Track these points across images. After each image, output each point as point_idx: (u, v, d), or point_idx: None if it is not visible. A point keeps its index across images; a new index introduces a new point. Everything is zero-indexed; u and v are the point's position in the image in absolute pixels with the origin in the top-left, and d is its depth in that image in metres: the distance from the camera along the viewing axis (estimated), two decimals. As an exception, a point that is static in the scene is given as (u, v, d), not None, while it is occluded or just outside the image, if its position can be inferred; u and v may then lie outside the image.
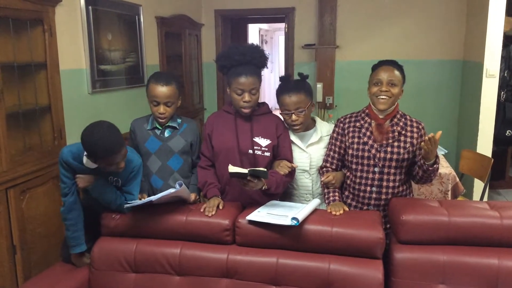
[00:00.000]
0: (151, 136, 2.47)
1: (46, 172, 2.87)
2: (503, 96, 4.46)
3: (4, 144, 2.54)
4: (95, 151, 2.02)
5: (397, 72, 2.29)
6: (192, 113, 5.18)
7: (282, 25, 5.97)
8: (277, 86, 2.53)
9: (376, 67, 2.36)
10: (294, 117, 2.40)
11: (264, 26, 11.40)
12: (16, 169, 2.63)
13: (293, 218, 2.02)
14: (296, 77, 2.54)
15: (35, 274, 2.58)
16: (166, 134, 2.47)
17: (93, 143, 2.00)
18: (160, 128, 2.47)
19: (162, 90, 2.36)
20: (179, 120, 2.50)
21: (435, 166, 2.24)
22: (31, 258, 2.74)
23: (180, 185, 2.17)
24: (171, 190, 2.15)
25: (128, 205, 2.18)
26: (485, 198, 4.02)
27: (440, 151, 4.07)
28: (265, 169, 2.16)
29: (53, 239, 2.90)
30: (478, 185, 4.27)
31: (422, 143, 2.14)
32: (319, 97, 5.41)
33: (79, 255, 2.30)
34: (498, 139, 4.53)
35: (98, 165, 2.13)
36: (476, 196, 4.35)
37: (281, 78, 2.56)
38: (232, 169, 2.12)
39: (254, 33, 10.75)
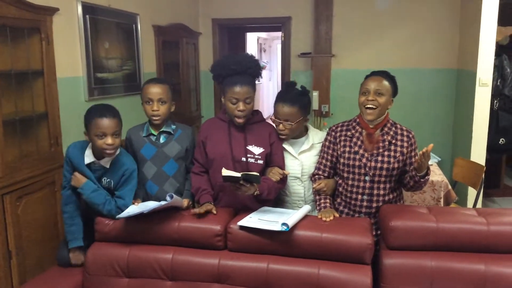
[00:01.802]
0: (146, 143, 2.52)
1: (42, 179, 2.90)
2: (496, 105, 4.51)
3: (1, 150, 2.57)
4: (95, 110, 2.30)
5: (385, 82, 2.33)
6: (190, 121, 5.22)
7: (280, 34, 6.03)
8: (275, 95, 2.56)
9: (366, 77, 2.41)
10: (281, 126, 2.46)
11: (263, 34, 11.47)
12: (12, 175, 2.66)
13: (283, 224, 2.05)
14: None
15: (30, 279, 2.60)
16: (162, 140, 2.52)
17: (95, 106, 2.33)
18: (155, 134, 2.51)
19: (154, 88, 2.47)
20: (173, 126, 2.55)
21: (426, 177, 2.28)
22: (26, 264, 2.75)
23: (171, 197, 2.21)
24: (162, 203, 2.20)
25: (120, 215, 2.23)
26: (479, 206, 4.05)
27: (433, 159, 4.11)
28: (258, 174, 2.20)
29: (48, 244, 2.92)
30: (472, 193, 4.30)
31: (416, 157, 2.20)
32: (315, 105, 5.45)
33: (77, 250, 2.38)
34: (492, 148, 4.57)
35: (91, 134, 2.27)
36: (470, 204, 4.38)
37: (286, 83, 2.59)
38: (225, 172, 2.17)
39: (252, 41, 10.82)
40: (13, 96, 2.78)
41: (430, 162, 3.94)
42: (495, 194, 5.29)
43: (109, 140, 2.25)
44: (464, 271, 2.00)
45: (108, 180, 2.35)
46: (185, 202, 2.41)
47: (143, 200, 2.44)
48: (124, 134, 2.60)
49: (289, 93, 2.49)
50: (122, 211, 2.26)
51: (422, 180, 2.27)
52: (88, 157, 2.34)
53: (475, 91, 4.38)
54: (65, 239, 2.54)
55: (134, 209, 2.24)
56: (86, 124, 2.30)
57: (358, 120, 2.44)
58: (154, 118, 2.47)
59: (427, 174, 2.29)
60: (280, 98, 2.48)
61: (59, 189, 3.01)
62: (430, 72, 5.36)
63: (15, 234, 2.66)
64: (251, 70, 2.42)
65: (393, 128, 2.40)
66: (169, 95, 2.50)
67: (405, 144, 2.37)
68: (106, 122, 2.25)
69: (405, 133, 2.40)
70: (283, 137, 2.50)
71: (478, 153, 4.43)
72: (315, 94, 5.43)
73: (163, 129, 2.52)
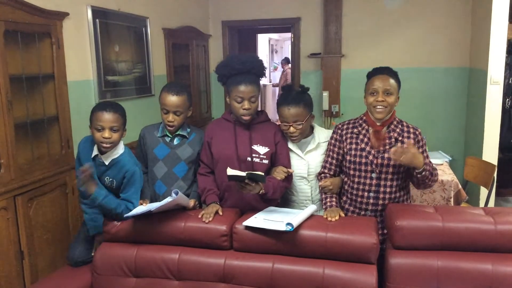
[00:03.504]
0: (160, 143, 2.55)
1: (53, 180, 2.96)
2: (508, 103, 4.46)
3: (13, 153, 2.63)
4: (95, 105, 2.38)
5: (392, 81, 2.33)
6: (200, 122, 5.26)
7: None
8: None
9: (371, 75, 2.39)
10: (292, 129, 2.45)
11: (274, 36, 11.50)
12: (24, 177, 2.72)
13: (288, 224, 2.06)
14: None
15: (41, 279, 2.65)
16: (175, 142, 2.55)
17: (98, 102, 2.28)
18: (170, 135, 2.55)
19: (172, 99, 2.45)
20: (188, 129, 2.58)
21: (423, 173, 2.24)
22: (38, 264, 2.81)
23: (176, 194, 2.23)
24: (168, 200, 2.23)
25: (127, 214, 2.26)
26: (492, 205, 4.00)
27: (444, 158, 4.08)
28: (263, 173, 2.21)
29: (59, 245, 2.98)
30: (484, 193, 4.24)
31: (391, 154, 2.20)
32: (325, 105, 5.44)
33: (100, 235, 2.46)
34: (504, 146, 4.51)
35: (92, 127, 2.34)
36: (482, 203, 4.33)
37: (283, 88, 2.60)
38: (230, 172, 2.19)
39: (264, 42, 10.85)
40: (24, 100, 2.84)
41: (440, 161, 3.92)
42: (508, 194, 5.22)
43: (106, 133, 2.30)
44: (471, 271, 1.98)
45: (111, 179, 2.39)
46: (191, 202, 2.43)
47: (151, 200, 2.49)
48: (136, 134, 2.65)
49: (290, 95, 2.48)
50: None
51: (419, 176, 2.23)
52: (95, 151, 2.40)
53: (487, 89, 4.32)
54: (75, 240, 2.59)
55: (141, 208, 2.28)
56: (90, 118, 2.36)
57: (364, 118, 2.44)
58: (169, 127, 2.51)
59: (424, 170, 2.23)
60: (283, 102, 2.46)
61: (70, 191, 3.08)
62: (441, 71, 5.32)
63: (27, 234, 2.72)
64: (255, 69, 2.44)
65: (400, 126, 2.39)
66: (186, 105, 2.50)
67: (412, 142, 2.36)
68: (105, 116, 2.30)
69: (411, 130, 2.39)
70: (295, 138, 2.49)
71: (490, 152, 4.38)
72: (325, 95, 5.43)
73: (178, 132, 2.55)
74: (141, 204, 2.36)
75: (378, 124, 2.37)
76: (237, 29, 6.15)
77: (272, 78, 11.32)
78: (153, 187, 2.56)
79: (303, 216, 2.17)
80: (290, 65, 10.56)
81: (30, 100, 2.92)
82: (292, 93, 2.49)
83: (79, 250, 2.49)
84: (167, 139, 2.56)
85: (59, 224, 2.99)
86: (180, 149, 2.54)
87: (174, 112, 2.46)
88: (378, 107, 2.30)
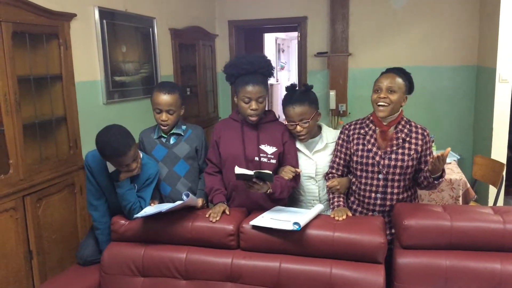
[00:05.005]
0: (157, 144, 2.57)
1: (61, 181, 2.98)
2: (517, 102, 4.41)
3: (21, 153, 2.66)
4: (104, 152, 2.22)
5: (398, 79, 2.31)
6: (207, 122, 5.27)
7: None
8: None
9: (380, 74, 2.39)
10: (298, 128, 2.44)
11: (281, 35, 11.47)
12: (33, 177, 2.74)
13: (295, 223, 2.05)
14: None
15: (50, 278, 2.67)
16: (172, 141, 2.57)
17: (102, 144, 2.20)
18: (165, 136, 2.56)
19: (164, 98, 2.47)
20: (183, 127, 2.59)
21: (440, 180, 2.25)
22: (46, 264, 2.83)
23: (187, 196, 2.24)
24: (178, 203, 2.23)
25: (137, 215, 2.27)
26: (501, 204, 3.96)
27: (453, 157, 4.05)
28: (271, 172, 2.20)
29: (68, 245, 3.00)
30: (493, 191, 4.21)
31: (430, 159, 2.17)
32: (332, 104, 5.43)
33: None
34: (513, 145, 4.47)
35: (112, 164, 2.29)
36: (491, 202, 4.30)
37: (287, 88, 2.59)
38: (238, 170, 2.18)
39: (270, 42, 10.83)
40: (32, 101, 2.87)
41: (448, 160, 3.90)
42: (518, 193, 5.17)
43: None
44: (479, 270, 1.96)
45: (133, 184, 2.39)
46: (199, 201, 2.44)
47: (159, 201, 2.49)
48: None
49: (293, 94, 2.48)
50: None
51: (436, 182, 2.25)
52: (110, 166, 2.37)
53: (495, 87, 4.29)
54: (86, 239, 2.59)
55: (150, 209, 2.29)
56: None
57: (371, 118, 2.42)
58: (163, 127, 2.52)
59: (442, 176, 2.26)
60: (288, 102, 2.46)
61: (78, 191, 3.09)
62: (449, 69, 5.29)
63: (36, 234, 2.74)
64: (263, 69, 2.44)
65: (407, 126, 2.38)
66: (178, 103, 2.52)
67: (420, 142, 2.34)
68: (122, 161, 2.24)
69: (419, 131, 2.37)
70: (302, 137, 2.48)
71: (499, 151, 4.34)
72: (332, 94, 5.42)
73: (173, 131, 2.56)
74: (150, 204, 2.37)
75: (384, 123, 2.35)
76: (243, 28, 6.16)
77: (279, 77, 11.30)
78: (158, 188, 2.57)
79: (310, 216, 2.16)
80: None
81: (38, 101, 2.94)
82: (296, 92, 2.49)
83: (90, 250, 2.50)
84: (163, 140, 2.57)
85: (67, 224, 3.01)
86: (177, 147, 2.56)
87: (167, 111, 2.48)
88: (380, 103, 2.29)
